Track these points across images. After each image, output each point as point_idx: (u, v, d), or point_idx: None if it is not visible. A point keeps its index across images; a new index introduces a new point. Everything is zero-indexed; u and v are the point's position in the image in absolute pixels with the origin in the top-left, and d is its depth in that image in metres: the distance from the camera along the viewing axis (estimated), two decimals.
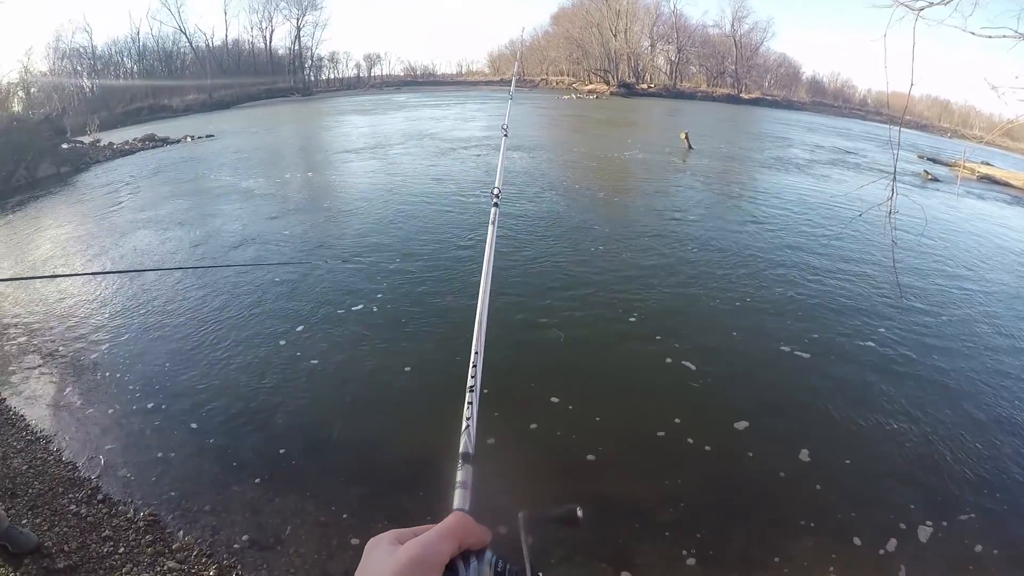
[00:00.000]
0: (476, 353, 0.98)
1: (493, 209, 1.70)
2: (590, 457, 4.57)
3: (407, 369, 5.84)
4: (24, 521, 3.93)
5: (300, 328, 6.65)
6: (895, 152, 4.22)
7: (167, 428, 5.06)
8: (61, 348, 6.58)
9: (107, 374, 5.98)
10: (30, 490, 4.30)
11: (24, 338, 6.88)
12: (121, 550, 3.75)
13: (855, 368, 6.12)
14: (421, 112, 35.28)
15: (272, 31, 65.59)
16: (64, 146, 21.58)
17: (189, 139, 25.86)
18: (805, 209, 12.72)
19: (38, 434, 5.02)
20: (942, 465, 4.65)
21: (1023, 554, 3.87)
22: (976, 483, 4.48)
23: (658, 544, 3.83)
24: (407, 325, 6.72)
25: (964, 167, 22.18)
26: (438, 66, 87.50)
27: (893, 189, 4.55)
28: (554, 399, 5.26)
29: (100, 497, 4.24)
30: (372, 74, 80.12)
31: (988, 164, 23.89)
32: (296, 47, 68.07)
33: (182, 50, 58.72)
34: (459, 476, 0.77)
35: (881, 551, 3.82)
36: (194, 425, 5.08)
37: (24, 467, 4.58)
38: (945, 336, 7.00)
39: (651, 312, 7.12)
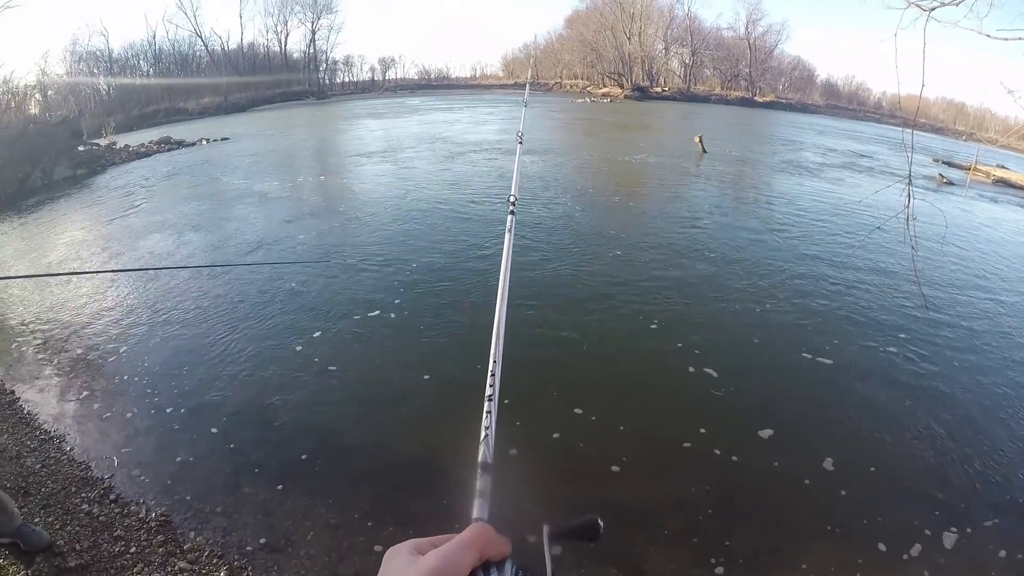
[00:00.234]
0: (494, 362, 0.97)
1: (509, 217, 1.67)
2: (614, 468, 4.51)
3: (424, 377, 5.81)
4: (36, 520, 3.94)
5: (317, 334, 6.63)
6: (909, 157, 4.16)
7: (181, 429, 5.07)
8: (76, 348, 6.62)
9: (121, 375, 6.01)
10: (43, 489, 4.32)
11: (39, 337, 6.93)
12: (132, 550, 3.75)
13: (877, 376, 6.04)
14: (435, 116, 35.35)
15: (287, 34, 66.15)
16: (80, 148, 21.79)
17: (204, 142, 26.04)
18: (821, 215, 12.61)
19: (51, 433, 5.04)
20: (966, 472, 4.60)
21: None
22: (1000, 490, 4.43)
23: (685, 554, 3.79)
24: (424, 333, 6.68)
25: (979, 170, 22.00)
26: (452, 69, 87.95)
27: (910, 195, 4.48)
28: (577, 410, 5.18)
29: (112, 497, 4.25)
30: (387, 77, 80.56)
31: (1004, 167, 23.58)
32: (311, 50, 68.55)
33: (198, 53, 59.31)
34: (478, 485, 0.75)
35: (905, 556, 3.79)
36: (208, 427, 5.08)
37: (37, 466, 4.59)
38: (968, 345, 6.89)
39: (671, 319, 7.05)
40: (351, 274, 8.42)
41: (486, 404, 0.89)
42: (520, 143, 2.47)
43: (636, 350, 6.42)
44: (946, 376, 6.09)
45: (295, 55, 68.24)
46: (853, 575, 3.65)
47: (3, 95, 29.13)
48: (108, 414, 5.32)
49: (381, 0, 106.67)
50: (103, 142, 24.78)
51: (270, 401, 5.43)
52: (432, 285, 7.95)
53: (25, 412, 5.41)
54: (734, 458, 4.62)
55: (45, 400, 5.63)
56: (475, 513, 0.70)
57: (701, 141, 21.58)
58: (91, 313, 7.46)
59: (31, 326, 7.23)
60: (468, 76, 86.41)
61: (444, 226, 10.76)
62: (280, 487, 4.33)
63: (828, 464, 4.60)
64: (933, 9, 4.21)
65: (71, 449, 4.83)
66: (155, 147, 24.51)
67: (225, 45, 61.42)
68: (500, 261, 1.25)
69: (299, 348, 6.35)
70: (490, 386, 0.92)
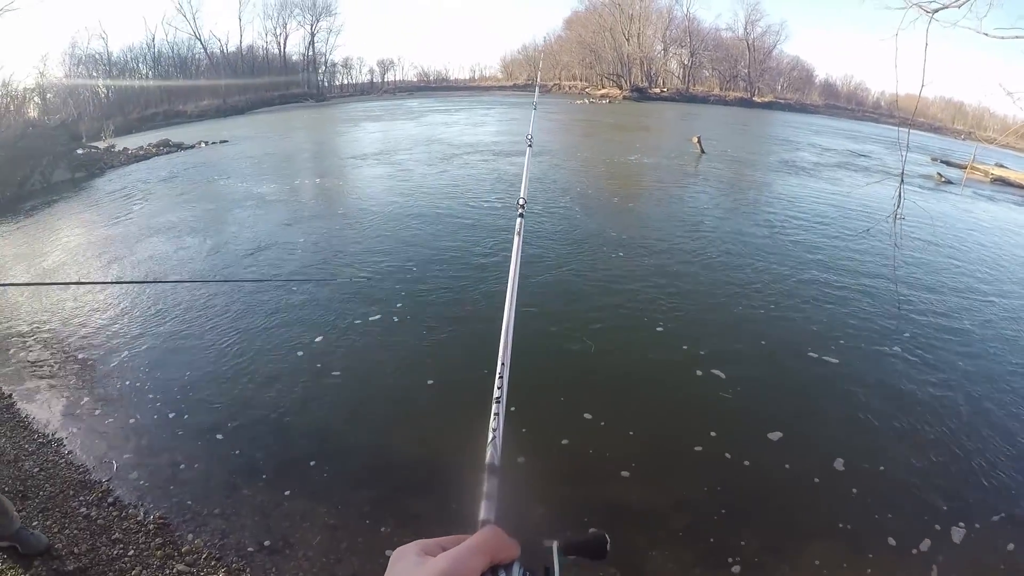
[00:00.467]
0: (502, 364, 0.96)
1: (519, 219, 1.68)
2: (624, 473, 4.49)
3: (424, 380, 5.81)
4: (35, 523, 3.94)
5: (319, 339, 6.60)
6: (903, 155, 4.18)
7: (178, 433, 5.06)
8: (74, 353, 6.61)
9: (118, 379, 6.00)
10: (41, 492, 4.32)
11: (37, 342, 6.93)
12: (131, 553, 3.75)
13: (883, 375, 6.06)
14: (433, 118, 35.38)
15: (286, 37, 66.25)
16: (79, 151, 21.78)
17: (203, 144, 26.05)
18: (820, 215, 12.64)
19: (49, 437, 5.04)
20: (973, 469, 4.65)
21: None
22: (1007, 486, 4.49)
23: (700, 556, 3.80)
24: (424, 336, 6.66)
25: (977, 169, 22.01)
26: (451, 71, 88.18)
27: (899, 193, 4.51)
28: (586, 415, 5.16)
29: (111, 500, 4.25)
30: (385, 79, 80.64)
31: (1002, 166, 23.61)
32: (310, 53, 68.70)
33: (197, 56, 59.34)
34: (485, 487, 0.73)
35: (915, 551, 3.84)
36: (205, 430, 5.08)
37: (35, 470, 4.59)
38: (973, 345, 6.92)
39: (677, 322, 7.04)
40: (352, 279, 8.38)
41: (494, 406, 0.88)
42: (529, 145, 2.46)
43: (643, 353, 6.41)
44: (951, 375, 6.12)
45: (294, 57, 68.45)
46: (864, 570, 3.69)
47: (2, 98, 29.21)
48: (106, 418, 5.33)
49: (380, 2, 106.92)
50: (102, 145, 24.79)
51: (268, 404, 5.43)
52: (433, 289, 7.93)
53: (23, 416, 5.41)
54: (746, 462, 4.62)
55: (43, 404, 5.63)
56: (482, 515, 0.69)
57: (700, 142, 21.58)
58: (88, 319, 7.46)
59: (28, 331, 7.22)
60: (467, 78, 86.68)
61: (443, 229, 10.75)
62: (278, 489, 4.33)
63: (838, 464, 4.61)
64: (936, 11, 4.22)
65: (69, 452, 4.83)
66: (154, 150, 24.49)
67: (224, 48, 61.57)
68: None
69: (300, 354, 6.32)
70: (498, 388, 0.92)
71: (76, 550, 3.75)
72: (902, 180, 4.55)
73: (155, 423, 5.20)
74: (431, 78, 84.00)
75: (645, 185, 15.82)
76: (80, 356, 6.52)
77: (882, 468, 4.61)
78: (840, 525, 4.03)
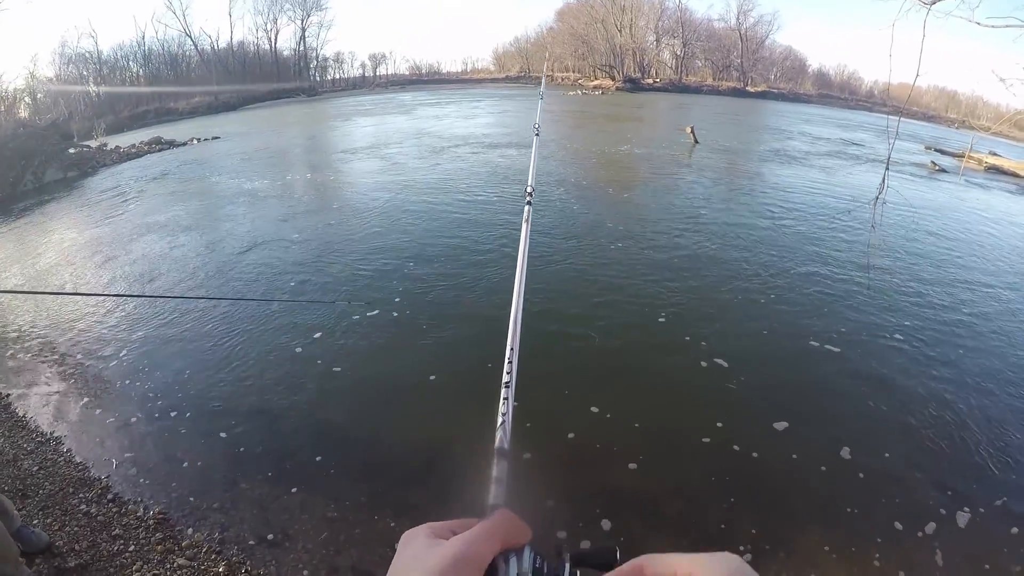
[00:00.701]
0: (511, 349, 0.97)
1: (526, 207, 1.69)
2: (632, 465, 4.51)
3: (423, 372, 5.81)
4: (35, 521, 3.96)
5: (317, 335, 6.58)
6: (891, 142, 4.23)
7: (177, 428, 5.08)
8: (70, 354, 6.60)
9: (116, 379, 6.01)
10: (41, 491, 4.33)
11: (34, 343, 6.93)
12: (131, 548, 3.77)
13: (886, 362, 6.10)
14: (426, 111, 35.32)
15: (277, 32, 66.07)
16: (71, 151, 21.65)
17: (195, 141, 25.94)
18: (815, 204, 12.68)
19: (48, 436, 5.05)
20: (975, 455, 4.72)
21: None
22: (1009, 472, 4.56)
23: (710, 544, 3.80)
24: (424, 330, 6.67)
25: (971, 158, 22.09)
26: (443, 64, 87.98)
27: (884, 178, 4.56)
28: (593, 408, 5.15)
29: (110, 496, 4.27)
30: (377, 73, 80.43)
31: (996, 154, 23.70)
32: (301, 48, 68.51)
33: (187, 53, 59.14)
34: (494, 472, 0.74)
35: (920, 534, 3.92)
36: (204, 425, 5.10)
37: (35, 468, 4.61)
38: (973, 330, 7.00)
39: (678, 311, 7.06)
40: (349, 273, 8.39)
41: (503, 391, 0.89)
42: (536, 135, 2.48)
43: (646, 344, 6.41)
44: (953, 363, 6.16)
45: (285, 53, 68.30)
46: (872, 553, 3.75)
47: None
48: (104, 416, 5.34)
49: None
50: (93, 144, 24.65)
51: (266, 400, 5.44)
52: (430, 283, 7.91)
53: (21, 415, 5.42)
54: (754, 454, 4.63)
55: (41, 403, 5.64)
56: (491, 499, 0.69)
57: (693, 132, 21.61)
58: (85, 321, 7.44)
59: (24, 333, 7.21)
60: (459, 71, 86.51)
61: (438, 223, 10.73)
62: (277, 483, 4.36)
63: (845, 453, 4.65)
64: (934, 3, 4.25)
65: (68, 450, 4.84)
66: (146, 147, 24.39)
67: (215, 44, 61.38)
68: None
69: (299, 350, 6.31)
70: (507, 373, 0.92)
71: (77, 547, 3.77)
72: (887, 167, 4.60)
73: (154, 420, 5.21)
74: (423, 71, 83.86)
75: (640, 175, 15.80)
76: (77, 357, 6.52)
77: (887, 455, 4.66)
78: (848, 510, 4.09)
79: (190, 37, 58.46)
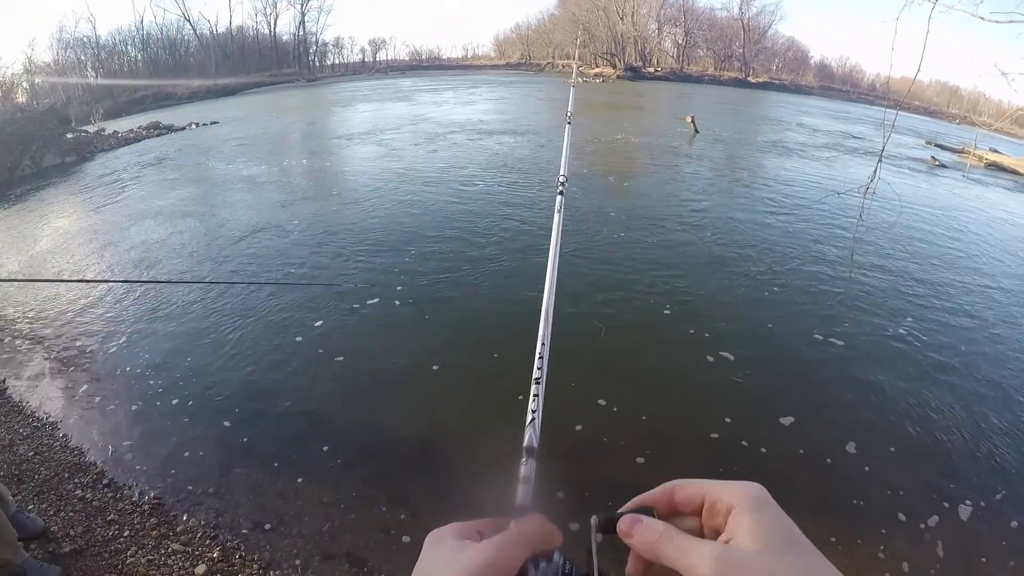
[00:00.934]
0: (543, 344, 0.94)
1: (559, 197, 1.67)
2: (639, 460, 4.52)
3: (424, 362, 5.80)
4: (31, 507, 3.98)
5: (319, 323, 6.54)
6: (886, 134, 4.24)
7: (172, 414, 5.10)
8: (67, 341, 6.61)
9: (113, 365, 6.01)
10: (36, 476, 4.35)
11: (29, 329, 6.93)
12: (126, 533, 3.80)
13: (889, 357, 6.14)
14: (426, 97, 35.13)
15: (276, 17, 65.80)
16: (69, 136, 21.61)
17: (194, 126, 25.90)
18: (814, 196, 12.58)
19: (44, 421, 5.07)
20: (977, 448, 4.79)
21: None
22: (1010, 465, 4.63)
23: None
24: (426, 320, 6.64)
25: (972, 154, 22.08)
26: (443, 50, 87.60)
27: (876, 169, 4.56)
28: (600, 401, 5.15)
29: (105, 482, 4.29)
30: (377, 59, 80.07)
31: (996, 151, 23.68)
32: (300, 33, 68.24)
33: (186, 37, 58.89)
34: (522, 471, 0.71)
35: (922, 525, 3.99)
36: (199, 411, 5.12)
37: (30, 453, 4.63)
38: (975, 322, 7.07)
39: (683, 304, 7.04)
40: (349, 261, 8.38)
41: (533, 387, 0.86)
42: (569, 122, 2.45)
43: (653, 337, 6.41)
44: (955, 357, 6.20)
45: (284, 38, 68.08)
46: (876, 545, 3.82)
47: None
48: (101, 402, 5.35)
49: None
50: (91, 129, 24.60)
51: (263, 387, 5.45)
52: (432, 271, 7.87)
53: (17, 401, 5.44)
54: (763, 449, 4.65)
55: (36, 389, 5.65)
56: (519, 499, 0.66)
57: (693, 121, 21.55)
58: (82, 307, 7.44)
59: (22, 319, 7.22)
60: (459, 57, 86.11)
61: (438, 210, 10.69)
62: (272, 468, 4.38)
63: (850, 447, 4.70)
64: None
65: (64, 436, 4.86)
66: (144, 132, 24.34)
67: (214, 28, 61.09)
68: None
69: (299, 339, 6.27)
70: (538, 368, 0.89)
71: (72, 532, 3.79)
72: (880, 158, 4.61)
73: (150, 406, 5.22)
74: (423, 57, 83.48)
75: (641, 164, 15.75)
76: (74, 343, 6.52)
77: (892, 450, 4.70)
78: (854, 502, 4.16)
79: (189, 21, 58.26)
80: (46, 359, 6.21)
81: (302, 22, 67.53)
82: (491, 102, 31.60)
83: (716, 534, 0.55)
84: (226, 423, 4.94)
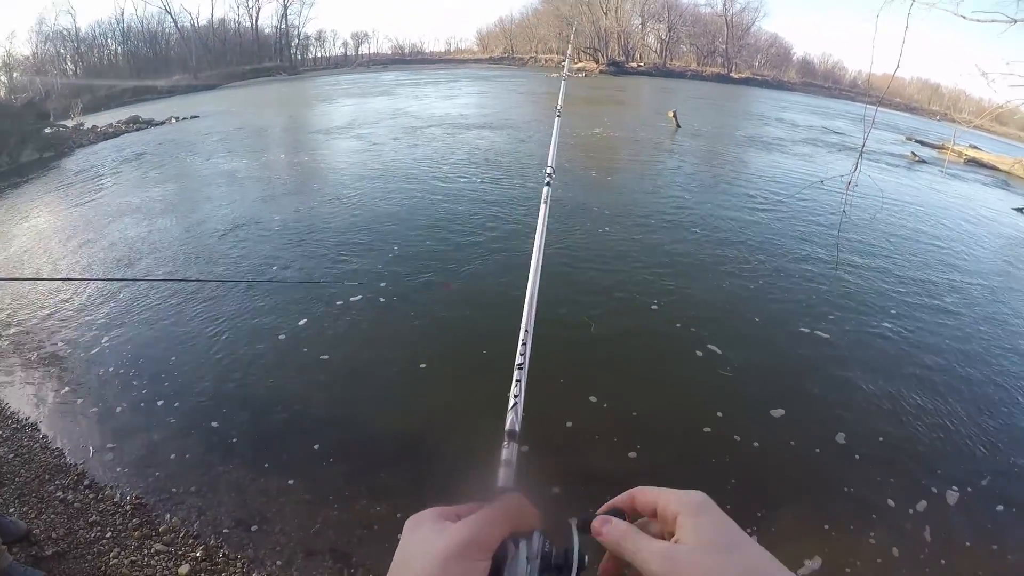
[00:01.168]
0: (526, 331, 0.97)
1: (545, 188, 1.70)
2: (631, 455, 4.56)
3: (405, 357, 5.83)
4: (11, 510, 3.97)
5: (303, 321, 6.52)
6: (867, 129, 4.30)
7: (153, 413, 5.09)
8: (45, 342, 6.54)
9: (93, 365, 5.97)
10: (16, 479, 4.34)
11: (8, 333, 6.84)
12: (108, 535, 3.80)
13: (874, 348, 6.31)
14: (409, 90, 34.93)
15: (259, 9, 65.12)
16: (47, 131, 21.26)
17: (174, 120, 25.61)
18: (793, 190, 12.73)
19: (23, 423, 5.04)
20: (962, 436, 4.99)
21: None
22: (993, 451, 4.85)
23: None
24: (411, 316, 6.64)
25: (952, 150, 22.38)
26: (426, 44, 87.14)
27: (857, 163, 4.64)
28: (592, 397, 5.19)
29: (86, 483, 4.28)
30: (359, 52, 79.56)
31: (976, 147, 24.03)
32: (282, 26, 67.62)
33: (167, 30, 58.11)
34: (504, 454, 0.73)
35: (911, 511, 4.17)
36: (180, 411, 5.11)
37: (10, 456, 4.60)
38: (956, 315, 7.28)
39: (670, 298, 7.11)
40: (332, 257, 8.35)
41: (515, 372, 0.88)
42: (559, 115, 2.49)
43: (641, 332, 6.47)
44: (938, 346, 6.43)
45: (266, 31, 67.37)
46: (868, 532, 3.96)
47: None
48: (80, 402, 5.33)
49: None
50: (70, 123, 24.23)
51: (244, 385, 5.45)
52: (416, 267, 7.86)
53: None
54: (756, 443, 4.73)
55: (16, 390, 5.61)
56: (500, 482, 0.69)
57: (675, 116, 21.66)
58: (60, 308, 7.36)
59: (0, 320, 7.14)
60: (442, 51, 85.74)
61: (420, 205, 10.69)
62: (254, 466, 4.40)
63: (840, 438, 4.83)
64: None
65: (44, 437, 4.84)
66: (123, 127, 24.02)
67: (195, 21, 60.31)
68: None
69: (282, 337, 6.26)
70: (520, 355, 0.91)
71: (54, 535, 3.79)
72: (862, 152, 4.69)
73: (131, 405, 5.21)
74: (406, 51, 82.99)
75: (623, 159, 15.82)
76: (53, 343, 6.47)
77: (880, 439, 4.85)
78: (845, 490, 4.31)
79: (170, 14, 57.47)
80: (25, 360, 6.16)
81: (284, 15, 67.01)
82: (472, 96, 31.58)
83: (671, 536, 0.61)
84: (207, 422, 4.94)
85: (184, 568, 3.57)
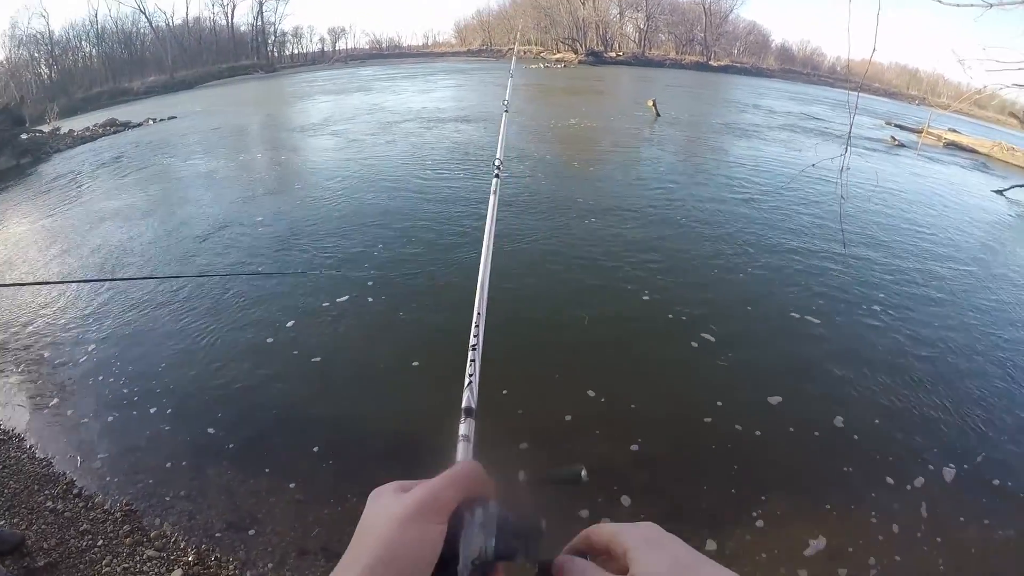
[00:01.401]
0: (478, 313, 1.02)
1: (494, 180, 1.76)
2: (633, 448, 4.60)
3: (393, 354, 5.85)
4: (2, 521, 3.98)
5: (290, 322, 6.49)
6: (852, 115, 4.36)
7: (140, 418, 5.09)
8: (29, 348, 6.52)
9: (77, 372, 5.95)
10: (5, 490, 4.34)
11: None
12: (100, 543, 3.82)
13: (864, 333, 6.42)
14: (386, 84, 34.74)
15: (234, 7, 64.28)
16: (23, 136, 21.01)
17: (151, 122, 25.30)
18: (774, 176, 12.92)
19: (9, 433, 5.04)
20: (956, 415, 5.14)
21: None
22: (988, 428, 5.01)
23: (725, 510, 4.11)
24: (400, 315, 6.63)
25: (929, 133, 22.63)
26: (404, 38, 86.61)
27: (847, 148, 4.70)
28: (590, 392, 5.21)
29: (76, 491, 4.30)
30: (337, 48, 78.93)
31: (955, 131, 24.31)
32: (259, 23, 66.83)
33: (142, 31, 57.25)
34: (461, 430, 0.78)
35: (909, 487, 4.32)
36: (167, 415, 5.11)
37: None
38: (942, 298, 7.43)
39: (660, 289, 7.14)
40: (318, 256, 8.30)
41: (470, 353, 0.92)
42: (506, 110, 2.55)
43: (634, 324, 6.49)
44: (930, 329, 6.58)
45: (242, 28, 66.58)
46: (868, 510, 4.10)
47: None
48: (66, 409, 5.33)
49: None
50: (47, 128, 23.98)
51: (231, 387, 5.46)
52: (401, 264, 7.83)
53: None
54: (757, 432, 4.79)
55: (1, 400, 5.60)
56: (459, 456, 0.74)
57: (655, 105, 21.72)
58: (43, 314, 7.32)
59: None
60: (420, 44, 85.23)
61: (402, 201, 10.64)
62: (243, 468, 4.42)
63: (838, 422, 4.94)
64: None
65: (31, 447, 4.85)
66: (100, 130, 23.74)
67: (170, 20, 59.46)
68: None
69: (270, 340, 6.23)
70: (474, 336, 0.95)
71: (45, 545, 3.81)
72: (849, 138, 4.77)
73: (117, 411, 5.21)
74: (383, 46, 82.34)
75: (604, 149, 15.79)
76: (36, 350, 6.44)
77: (876, 422, 4.98)
78: (844, 470, 4.43)
79: (144, 14, 56.65)
80: (9, 368, 6.13)
81: (260, 12, 66.21)
82: (450, 89, 31.49)
83: (626, 572, 0.62)
84: (195, 426, 4.95)
85: (177, 572, 3.60)
